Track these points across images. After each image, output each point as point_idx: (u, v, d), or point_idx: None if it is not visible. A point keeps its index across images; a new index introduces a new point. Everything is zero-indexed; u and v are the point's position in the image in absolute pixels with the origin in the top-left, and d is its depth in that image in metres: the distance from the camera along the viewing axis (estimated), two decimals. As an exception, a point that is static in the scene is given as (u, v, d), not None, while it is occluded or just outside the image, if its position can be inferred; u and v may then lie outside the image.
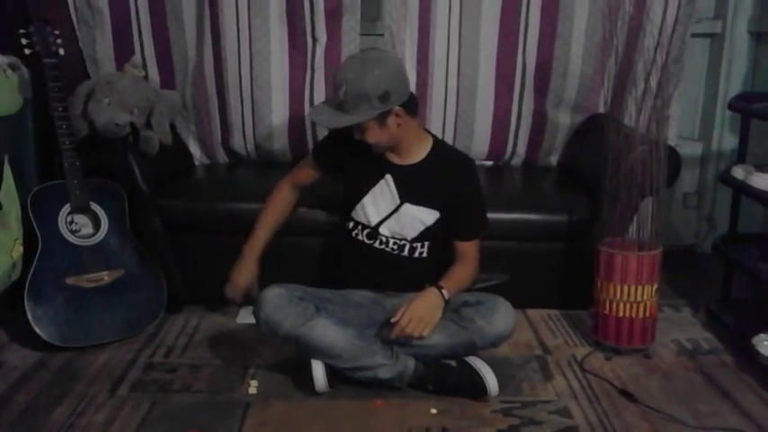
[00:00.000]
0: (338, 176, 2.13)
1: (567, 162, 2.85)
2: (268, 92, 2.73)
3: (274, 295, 1.91)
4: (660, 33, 2.18)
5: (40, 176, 2.52)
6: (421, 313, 1.89)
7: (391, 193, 2.03)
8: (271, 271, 2.38)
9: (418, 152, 2.04)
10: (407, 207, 2.02)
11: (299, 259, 2.42)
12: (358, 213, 2.06)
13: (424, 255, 2.06)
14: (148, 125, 2.50)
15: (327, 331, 1.89)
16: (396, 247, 2.04)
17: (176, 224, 2.45)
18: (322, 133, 2.75)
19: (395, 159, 2.04)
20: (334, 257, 2.20)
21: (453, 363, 1.95)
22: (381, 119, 1.91)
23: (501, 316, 1.93)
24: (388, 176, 2.03)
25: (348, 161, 2.08)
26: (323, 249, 2.41)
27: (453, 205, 2.04)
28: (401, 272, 2.07)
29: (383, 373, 1.91)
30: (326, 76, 2.69)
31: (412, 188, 2.03)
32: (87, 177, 2.28)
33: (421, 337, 1.90)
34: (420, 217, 2.03)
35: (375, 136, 1.94)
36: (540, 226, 2.42)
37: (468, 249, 2.08)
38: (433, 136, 2.10)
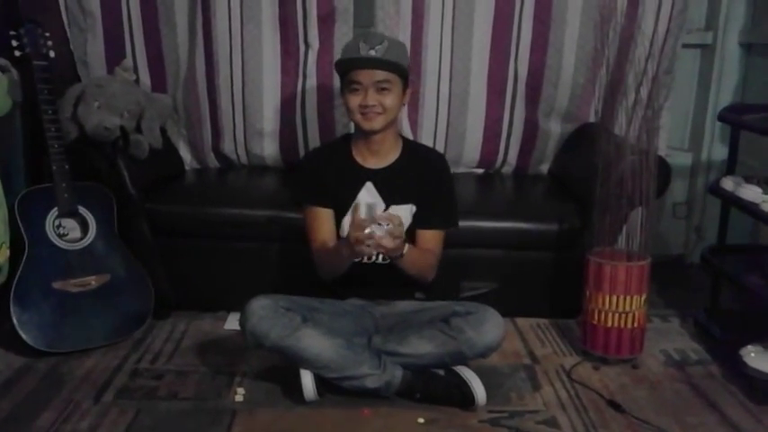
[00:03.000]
0: None
1: (557, 171, 2.85)
2: (260, 97, 2.72)
3: (260, 306, 1.89)
4: (651, 44, 2.19)
5: (28, 180, 2.51)
6: (385, 246, 1.79)
7: (375, 200, 2.02)
8: (260, 279, 2.38)
9: (394, 151, 2.07)
10: (393, 209, 2.01)
11: (288, 267, 2.41)
12: (343, 230, 2.01)
13: None
14: (138, 129, 2.49)
15: (314, 342, 1.87)
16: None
17: (165, 229, 2.43)
18: (314, 141, 2.75)
19: (372, 164, 2.05)
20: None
21: (441, 372, 1.95)
22: (405, 84, 1.99)
23: (490, 326, 1.92)
24: (369, 184, 2.04)
25: (328, 182, 2.05)
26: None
27: (428, 195, 2.05)
28: (385, 279, 2.04)
29: (370, 383, 1.90)
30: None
31: (394, 189, 2.03)
32: (76, 181, 2.26)
33: (362, 252, 1.79)
34: (404, 216, 2.00)
35: (393, 99, 1.95)
36: (530, 235, 2.42)
37: (431, 242, 2.05)
38: (402, 136, 2.14)
